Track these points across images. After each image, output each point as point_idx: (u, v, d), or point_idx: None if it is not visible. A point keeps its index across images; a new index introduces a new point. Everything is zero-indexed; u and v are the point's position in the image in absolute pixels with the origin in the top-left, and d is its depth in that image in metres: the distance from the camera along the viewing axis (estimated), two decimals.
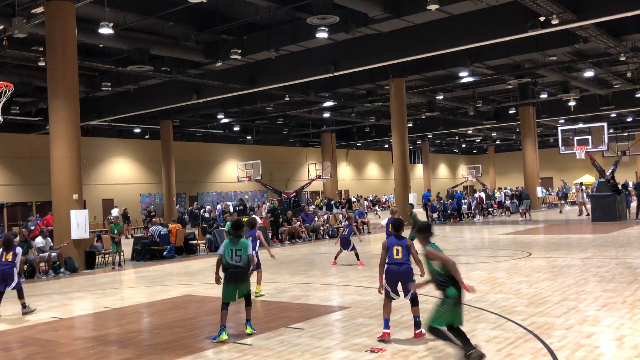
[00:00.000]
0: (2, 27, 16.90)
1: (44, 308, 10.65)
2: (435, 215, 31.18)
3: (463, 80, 29.01)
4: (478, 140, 62.56)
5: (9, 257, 9.96)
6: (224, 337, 7.37)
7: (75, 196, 16.64)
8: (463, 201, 32.48)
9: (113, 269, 16.77)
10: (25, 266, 15.24)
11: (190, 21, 20.47)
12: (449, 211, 31.06)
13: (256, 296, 10.61)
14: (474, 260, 14.49)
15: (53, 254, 15.90)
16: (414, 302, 7.11)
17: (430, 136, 54.24)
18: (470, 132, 50.34)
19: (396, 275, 7.01)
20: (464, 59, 23.89)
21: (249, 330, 7.68)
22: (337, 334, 7.51)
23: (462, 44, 19.67)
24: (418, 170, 61.53)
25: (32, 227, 20.40)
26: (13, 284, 10.01)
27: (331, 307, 9.43)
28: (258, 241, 10.46)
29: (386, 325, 7.00)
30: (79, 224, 16.44)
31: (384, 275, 7.08)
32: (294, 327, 7.89)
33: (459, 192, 32.48)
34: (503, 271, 12.13)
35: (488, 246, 17.77)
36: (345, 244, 14.62)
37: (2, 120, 7.45)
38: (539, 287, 9.99)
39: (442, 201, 32.21)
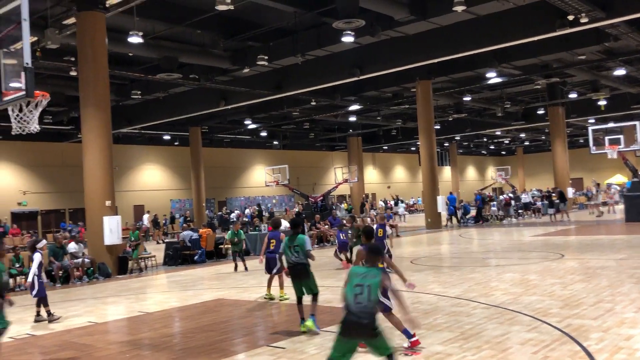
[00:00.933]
0: (35, 38, 17.30)
1: (79, 313, 10.86)
2: (457, 217, 30.93)
3: (490, 81, 28.73)
4: (506, 142, 61.84)
5: (31, 264, 10.02)
6: (303, 328, 7.74)
7: (107, 203, 16.93)
8: (492, 203, 32.16)
9: (130, 276, 16.78)
10: (61, 272, 15.56)
11: (217, 29, 20.71)
12: (468, 214, 30.77)
13: (280, 300, 10.66)
14: (505, 262, 14.34)
15: (87, 260, 16.21)
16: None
17: (458, 138, 53.78)
18: (498, 133, 49.80)
19: None
20: (491, 59, 23.68)
21: (309, 324, 7.73)
22: None
23: (489, 44, 19.49)
24: (446, 172, 61.09)
25: (75, 233, 20.73)
26: (33, 292, 9.87)
27: None
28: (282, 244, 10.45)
29: (409, 335, 6.72)
30: (112, 230, 16.71)
31: None
32: (327, 331, 7.91)
33: (479, 194, 32.12)
34: (535, 273, 11.98)
35: (519, 248, 17.55)
36: (344, 246, 15.04)
37: (38, 129, 7.62)
38: (573, 289, 9.85)
39: (462, 203, 31.96)
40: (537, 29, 18.27)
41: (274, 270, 10.59)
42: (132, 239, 17.93)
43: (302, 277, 7.88)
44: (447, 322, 7.98)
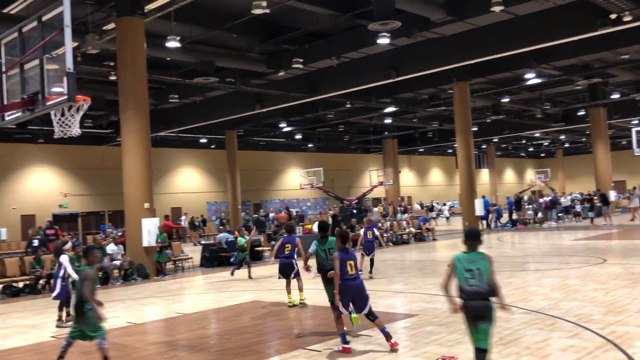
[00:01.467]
0: (76, 44, 17.72)
1: (118, 313, 11.04)
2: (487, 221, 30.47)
3: (529, 82, 28.24)
4: (546, 144, 60.62)
5: (56, 267, 10.03)
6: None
7: (146, 205, 17.19)
8: (530, 206, 31.61)
9: (156, 279, 16.65)
10: (100, 273, 15.85)
11: (253, 32, 20.88)
12: (501, 217, 30.28)
13: (300, 303, 10.51)
14: (544, 267, 14.03)
15: (125, 262, 16.50)
16: (371, 316, 6.93)
17: (496, 140, 52.96)
18: (537, 135, 48.86)
19: (351, 291, 6.87)
20: (530, 60, 23.26)
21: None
22: (406, 341, 7.42)
23: (528, 45, 19.15)
24: (484, 175, 60.25)
25: (119, 234, 21.00)
26: (54, 294, 9.89)
27: (398, 315, 9.33)
28: (296, 249, 10.31)
29: (344, 340, 6.96)
30: (150, 231, 16.96)
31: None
32: (362, 334, 7.85)
33: (510, 198, 31.63)
34: (576, 278, 11.69)
35: (559, 252, 17.17)
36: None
37: (79, 133, 7.76)
38: (616, 295, 9.57)
39: (495, 207, 31.46)
40: (578, 29, 17.88)
41: (292, 275, 10.43)
42: (159, 240, 17.52)
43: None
44: None
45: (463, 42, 20.26)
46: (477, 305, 5.08)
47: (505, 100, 33.27)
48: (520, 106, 36.25)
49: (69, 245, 12.26)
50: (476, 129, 38.29)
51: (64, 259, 9.91)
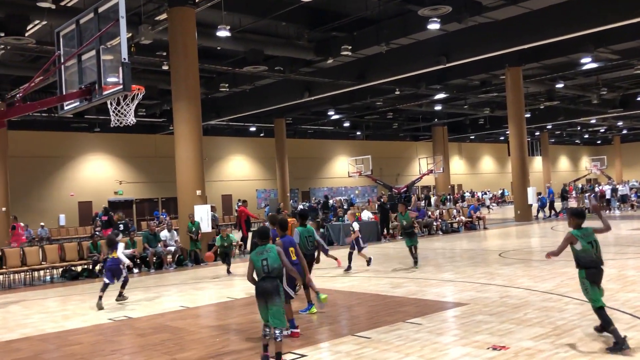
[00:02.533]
0: (130, 35, 18.14)
1: (173, 298, 11.34)
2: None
3: (585, 67, 27.33)
4: (602, 130, 58.70)
5: (115, 254, 10.65)
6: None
7: (198, 192, 17.55)
8: (585, 195, 30.71)
9: (175, 267, 16.49)
10: (155, 258, 16.29)
11: (302, 20, 20.88)
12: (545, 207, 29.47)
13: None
14: None
15: (178, 247, 16.89)
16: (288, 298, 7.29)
17: (550, 127, 51.59)
18: (593, 121, 47.37)
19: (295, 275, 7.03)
20: (587, 44, 22.46)
21: (323, 298, 8.35)
22: (457, 330, 7.36)
23: (584, 28, 18.49)
24: (537, 163, 58.81)
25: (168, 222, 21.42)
26: (122, 278, 10.77)
27: (448, 303, 9.25)
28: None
29: (293, 324, 7.43)
30: (202, 218, 17.30)
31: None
32: (412, 322, 7.83)
33: (550, 187, 30.71)
34: (634, 269, 11.32)
35: (615, 242, 16.62)
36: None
37: (134, 121, 7.97)
38: None
39: (540, 196, 30.65)
40: (637, 11, 17.14)
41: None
42: (193, 229, 16.99)
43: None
44: (538, 317, 7.69)
45: (516, 26, 19.74)
46: (600, 272, 6.20)
47: (560, 85, 32.33)
48: (575, 92, 35.15)
49: (119, 237, 12.61)
50: (529, 115, 37.34)
51: (121, 247, 10.85)
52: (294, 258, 7.66)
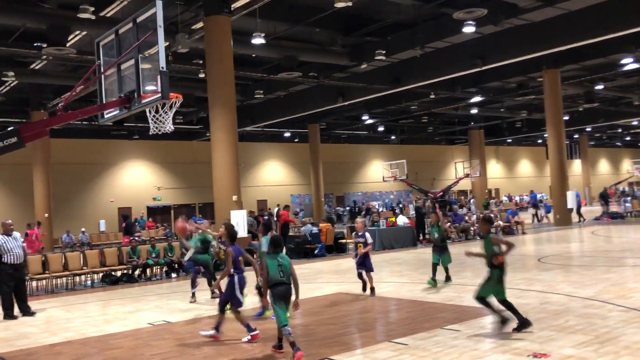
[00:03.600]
0: (167, 43, 18.46)
1: (210, 302, 11.45)
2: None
3: (626, 68, 26.71)
4: None
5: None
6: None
7: (234, 197, 17.70)
8: (627, 199, 29.95)
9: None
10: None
11: (335, 26, 20.95)
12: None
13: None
14: None
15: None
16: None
17: (589, 129, 50.45)
18: (635, 123, 46.16)
19: (242, 281, 8.18)
20: (627, 44, 21.96)
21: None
22: (496, 337, 7.24)
23: (625, 28, 18.05)
24: (576, 166, 57.58)
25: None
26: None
27: (486, 310, 9.09)
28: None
29: (250, 328, 7.90)
30: (238, 223, 17.41)
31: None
32: (449, 329, 7.74)
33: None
34: None
35: None
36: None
37: (172, 129, 8.09)
38: None
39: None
40: None
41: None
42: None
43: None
44: (580, 324, 7.52)
45: (553, 27, 19.40)
46: None
47: (599, 87, 31.66)
48: (615, 93, 34.36)
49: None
50: (567, 118, 36.66)
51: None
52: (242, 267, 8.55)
